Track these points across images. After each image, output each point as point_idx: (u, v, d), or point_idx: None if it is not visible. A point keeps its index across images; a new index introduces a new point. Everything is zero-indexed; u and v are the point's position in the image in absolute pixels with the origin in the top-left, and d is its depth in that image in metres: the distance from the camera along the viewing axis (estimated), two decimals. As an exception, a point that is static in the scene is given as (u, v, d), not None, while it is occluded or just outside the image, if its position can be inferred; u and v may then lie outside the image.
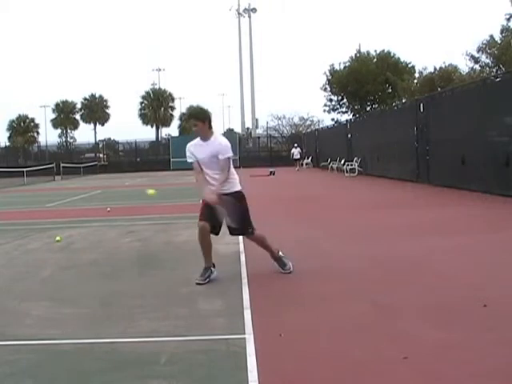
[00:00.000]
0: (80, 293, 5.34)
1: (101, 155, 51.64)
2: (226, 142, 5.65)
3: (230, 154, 5.66)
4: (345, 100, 43.88)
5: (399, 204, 12.94)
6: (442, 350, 3.44)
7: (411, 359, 3.30)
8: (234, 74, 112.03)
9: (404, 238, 7.94)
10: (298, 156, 37.83)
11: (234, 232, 5.91)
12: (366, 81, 40.99)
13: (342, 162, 27.52)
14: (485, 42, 32.17)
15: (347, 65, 43.06)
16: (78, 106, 67.19)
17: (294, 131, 55.05)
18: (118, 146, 53.92)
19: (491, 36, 32.06)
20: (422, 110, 18.20)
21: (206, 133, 5.57)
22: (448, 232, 8.30)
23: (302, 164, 38.67)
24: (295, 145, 39.58)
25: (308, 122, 57.48)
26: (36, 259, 7.32)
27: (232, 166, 5.74)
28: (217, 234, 5.76)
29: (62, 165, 37.65)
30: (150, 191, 8.24)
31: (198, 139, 5.65)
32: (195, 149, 5.65)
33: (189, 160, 5.73)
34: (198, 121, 5.52)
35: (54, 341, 3.95)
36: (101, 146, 55.90)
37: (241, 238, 8.35)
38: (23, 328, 4.28)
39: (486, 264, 6.02)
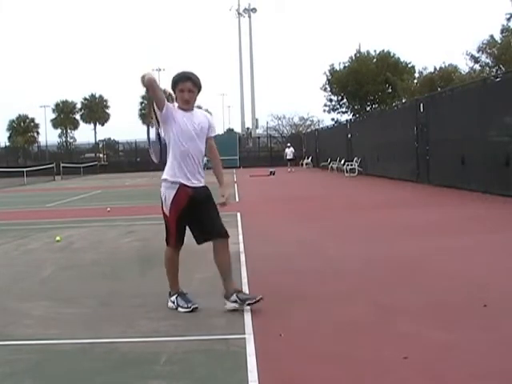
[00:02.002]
0: (80, 293, 5.34)
1: (101, 155, 51.66)
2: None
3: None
4: (345, 100, 43.90)
5: (399, 204, 12.94)
6: (442, 350, 3.44)
7: (411, 359, 3.30)
8: (234, 73, 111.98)
9: (404, 237, 7.94)
10: (292, 156, 36.12)
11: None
12: (366, 81, 41.00)
13: (342, 162, 27.52)
14: (485, 41, 32.22)
15: (347, 65, 43.08)
16: (78, 105, 67.27)
17: (293, 131, 55.06)
18: (118, 146, 53.90)
19: (491, 36, 32.12)
20: (421, 110, 18.20)
21: (192, 106, 4.58)
22: (448, 232, 8.30)
23: (303, 164, 38.61)
24: (288, 144, 38.43)
25: (308, 122, 57.52)
26: (36, 259, 7.31)
27: None
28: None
29: (62, 165, 37.67)
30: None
31: (176, 106, 4.53)
32: (176, 113, 4.47)
33: (162, 110, 4.39)
34: (196, 87, 4.50)
35: (54, 341, 3.95)
36: (101, 146, 55.90)
37: (241, 237, 8.38)
38: (23, 328, 4.28)
39: (486, 264, 6.02)
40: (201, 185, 4.54)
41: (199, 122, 4.50)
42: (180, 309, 4.53)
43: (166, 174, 4.49)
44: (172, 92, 4.53)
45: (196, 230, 4.54)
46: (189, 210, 4.42)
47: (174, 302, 4.60)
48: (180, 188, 4.42)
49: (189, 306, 4.50)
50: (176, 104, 4.50)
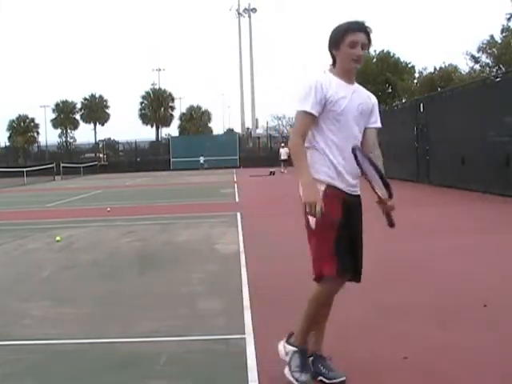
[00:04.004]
0: (80, 293, 5.34)
1: (101, 155, 51.71)
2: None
3: None
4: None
5: (399, 204, 12.87)
6: (442, 350, 3.44)
7: (411, 359, 3.30)
8: (234, 73, 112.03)
9: (404, 238, 7.93)
10: (286, 157, 33.33)
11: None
12: (366, 81, 41.00)
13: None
14: (485, 41, 32.26)
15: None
16: (78, 105, 67.24)
17: (293, 131, 55.02)
18: (118, 145, 53.97)
19: (491, 36, 32.15)
20: (421, 110, 18.20)
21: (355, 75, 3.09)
22: (448, 232, 8.30)
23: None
24: (282, 144, 37.09)
25: (308, 122, 57.42)
26: (36, 259, 7.31)
27: None
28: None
29: (62, 165, 37.68)
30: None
31: (333, 76, 3.01)
32: (337, 88, 2.96)
33: (306, 107, 2.90)
34: (369, 42, 3.03)
35: (54, 341, 3.94)
36: (101, 145, 55.94)
37: (241, 237, 8.37)
38: (23, 328, 4.28)
39: (485, 264, 6.02)
40: (355, 192, 3.12)
41: (361, 101, 3.05)
42: (289, 373, 3.07)
43: (313, 171, 2.96)
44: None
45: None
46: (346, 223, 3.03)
47: (287, 354, 3.14)
48: (328, 190, 2.97)
49: (300, 379, 3.02)
50: (327, 72, 3.08)
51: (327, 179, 2.96)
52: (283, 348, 3.18)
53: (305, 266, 6.11)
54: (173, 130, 69.21)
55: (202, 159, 42.38)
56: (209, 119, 68.83)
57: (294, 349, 3.10)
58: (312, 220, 2.93)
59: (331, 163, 2.96)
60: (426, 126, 17.71)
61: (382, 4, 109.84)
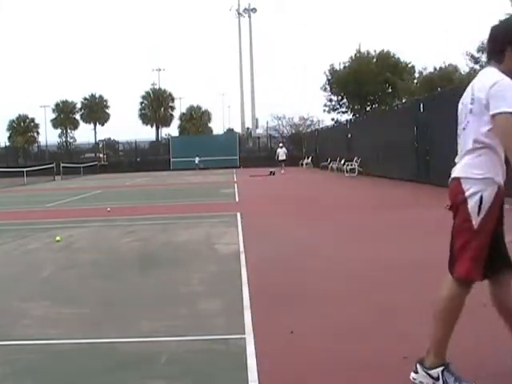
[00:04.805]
0: (80, 293, 5.34)
1: (101, 155, 51.68)
2: None
3: None
4: (345, 100, 43.90)
5: (399, 204, 12.94)
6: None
7: (411, 359, 3.30)
8: (234, 73, 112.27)
9: (404, 238, 7.94)
10: (284, 157, 33.62)
11: None
12: (366, 81, 41.00)
13: (342, 162, 27.53)
14: (485, 41, 32.21)
15: (347, 65, 43.10)
16: (78, 105, 67.15)
17: (293, 131, 55.03)
18: (118, 145, 53.92)
19: (491, 36, 32.12)
20: (421, 110, 18.20)
21: None
22: (448, 232, 8.27)
23: (303, 164, 38.56)
24: (280, 144, 36.97)
25: (308, 122, 57.46)
26: (36, 259, 7.32)
27: None
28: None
29: (62, 165, 37.64)
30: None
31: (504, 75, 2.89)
32: None
33: None
34: None
35: (54, 341, 3.95)
36: (101, 145, 55.90)
37: (241, 237, 8.37)
38: (23, 328, 4.28)
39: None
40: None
41: None
42: None
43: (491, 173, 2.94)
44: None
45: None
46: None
47: (438, 379, 2.91)
48: (499, 193, 2.96)
49: None
50: (496, 69, 2.88)
51: (500, 181, 2.96)
52: (426, 376, 2.94)
53: (305, 266, 6.12)
54: (173, 130, 69.16)
55: (197, 159, 42.45)
56: (209, 119, 68.77)
57: (441, 369, 2.89)
58: (476, 220, 2.95)
59: (501, 165, 2.98)
60: (426, 126, 17.72)
61: (381, 4, 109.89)
